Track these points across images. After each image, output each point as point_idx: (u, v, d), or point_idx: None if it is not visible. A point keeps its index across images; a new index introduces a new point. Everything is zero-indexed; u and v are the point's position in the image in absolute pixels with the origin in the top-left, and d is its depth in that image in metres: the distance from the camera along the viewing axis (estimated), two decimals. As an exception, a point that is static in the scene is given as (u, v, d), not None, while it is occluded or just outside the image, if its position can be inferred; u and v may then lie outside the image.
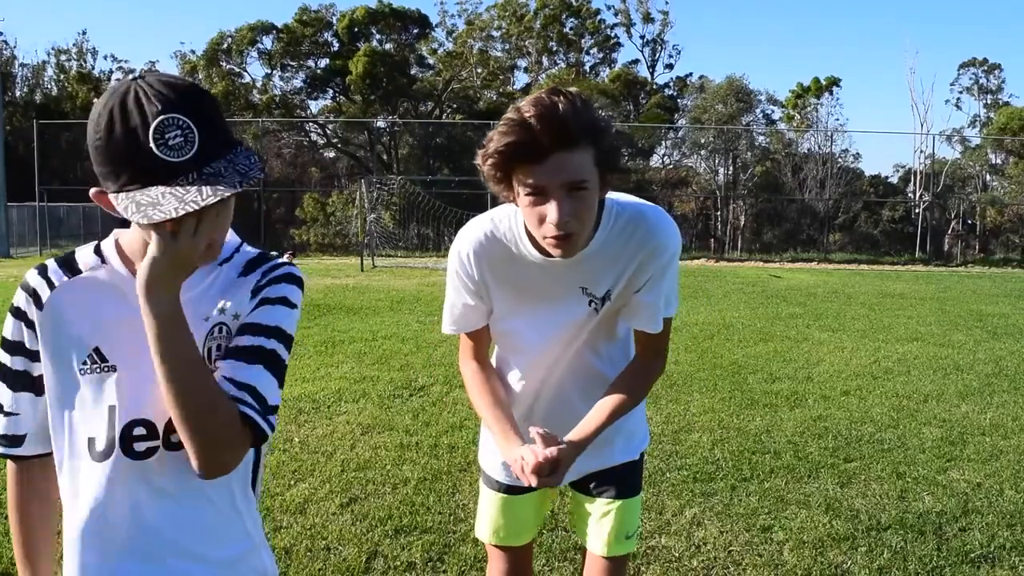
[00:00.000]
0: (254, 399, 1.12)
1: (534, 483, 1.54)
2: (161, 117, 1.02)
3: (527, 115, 1.40)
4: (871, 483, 4.05)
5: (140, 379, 1.15)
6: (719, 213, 29.92)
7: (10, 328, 1.21)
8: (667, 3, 50.25)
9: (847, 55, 62.41)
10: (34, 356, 1.20)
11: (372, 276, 15.63)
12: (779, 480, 4.07)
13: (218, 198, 1.01)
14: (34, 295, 1.19)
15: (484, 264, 1.68)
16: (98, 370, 1.15)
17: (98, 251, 1.21)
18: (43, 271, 1.21)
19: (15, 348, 1.21)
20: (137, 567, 1.17)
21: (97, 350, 1.16)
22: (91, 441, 1.16)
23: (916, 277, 17.74)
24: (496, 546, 1.94)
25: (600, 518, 1.86)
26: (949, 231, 28.18)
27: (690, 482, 4.01)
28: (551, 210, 1.45)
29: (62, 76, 33.64)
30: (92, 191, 1.09)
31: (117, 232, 1.23)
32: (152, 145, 1.02)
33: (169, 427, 1.15)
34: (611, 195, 1.63)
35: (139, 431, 1.15)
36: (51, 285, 1.19)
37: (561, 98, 1.41)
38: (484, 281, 1.70)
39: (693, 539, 3.36)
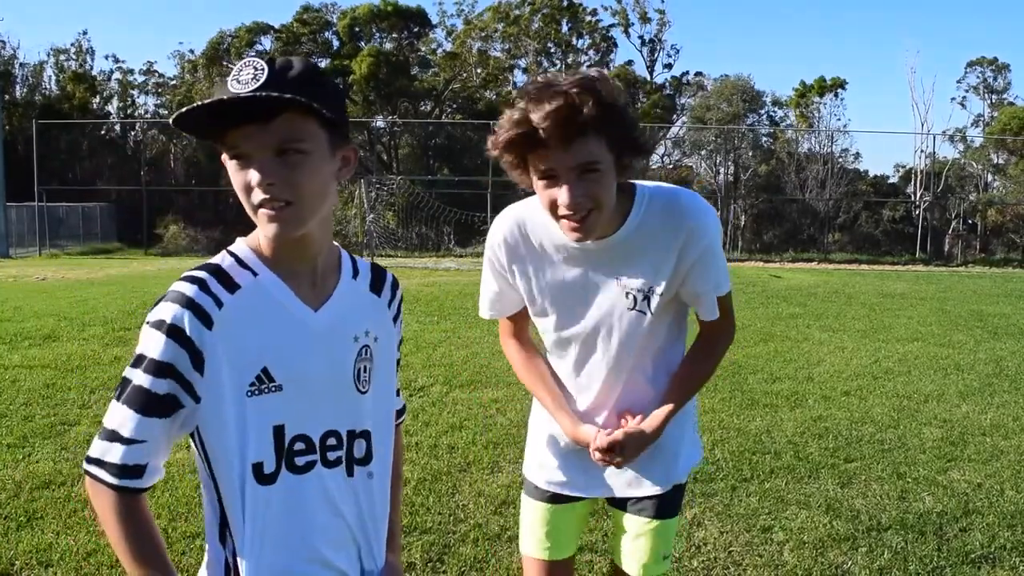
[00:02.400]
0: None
1: (599, 458, 1.65)
2: (241, 62, 1.13)
3: (532, 112, 1.42)
4: (871, 483, 4.04)
5: (304, 396, 1.16)
6: (719, 213, 29.91)
7: (160, 347, 1.08)
8: (663, 2, 50.30)
9: (848, 54, 62.47)
10: (183, 380, 1.09)
11: (372, 276, 15.58)
12: (779, 480, 4.07)
13: (235, 95, 1.06)
14: (201, 314, 1.09)
15: (514, 252, 1.69)
16: (266, 391, 1.13)
17: (241, 262, 1.16)
18: (203, 286, 1.11)
19: (164, 370, 1.08)
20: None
21: (265, 370, 1.13)
22: (257, 467, 1.13)
23: (917, 277, 17.72)
24: (541, 561, 1.85)
25: (636, 538, 1.80)
26: (950, 231, 28.15)
27: (690, 483, 3.97)
28: (563, 193, 1.46)
29: (61, 76, 33.61)
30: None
31: (245, 239, 1.20)
32: (228, 80, 1.11)
33: (325, 442, 1.19)
34: (644, 183, 1.63)
35: (299, 446, 1.17)
36: (218, 302, 1.11)
37: (575, 88, 1.42)
38: (513, 269, 1.71)
39: (693, 539, 3.35)
